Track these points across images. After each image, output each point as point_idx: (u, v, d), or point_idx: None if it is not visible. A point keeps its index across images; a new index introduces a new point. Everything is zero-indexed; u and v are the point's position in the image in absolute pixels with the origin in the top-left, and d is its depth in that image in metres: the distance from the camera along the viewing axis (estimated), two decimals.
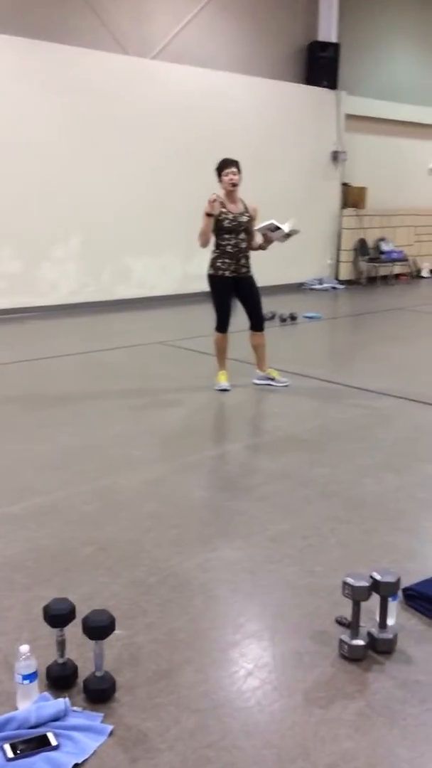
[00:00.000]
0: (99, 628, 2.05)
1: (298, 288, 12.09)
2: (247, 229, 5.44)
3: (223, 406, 5.38)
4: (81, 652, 2.30)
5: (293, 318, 9.04)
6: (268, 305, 9.24)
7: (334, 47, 11.72)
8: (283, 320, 8.95)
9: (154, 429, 4.73)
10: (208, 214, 5.26)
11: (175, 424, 4.85)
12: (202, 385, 5.79)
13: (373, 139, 12.87)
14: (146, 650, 2.36)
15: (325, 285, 12.23)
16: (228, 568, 2.90)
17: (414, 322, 9.29)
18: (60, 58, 8.94)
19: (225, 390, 5.61)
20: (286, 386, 5.73)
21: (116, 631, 2.39)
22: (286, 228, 5.35)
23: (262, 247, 5.60)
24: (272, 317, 9.01)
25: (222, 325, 5.62)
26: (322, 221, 12.29)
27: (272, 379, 5.77)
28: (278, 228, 5.35)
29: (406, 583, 2.72)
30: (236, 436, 4.81)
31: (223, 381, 5.65)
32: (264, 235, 5.49)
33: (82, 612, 2.31)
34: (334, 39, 11.73)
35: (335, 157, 12.16)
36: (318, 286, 12.18)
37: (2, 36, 8.46)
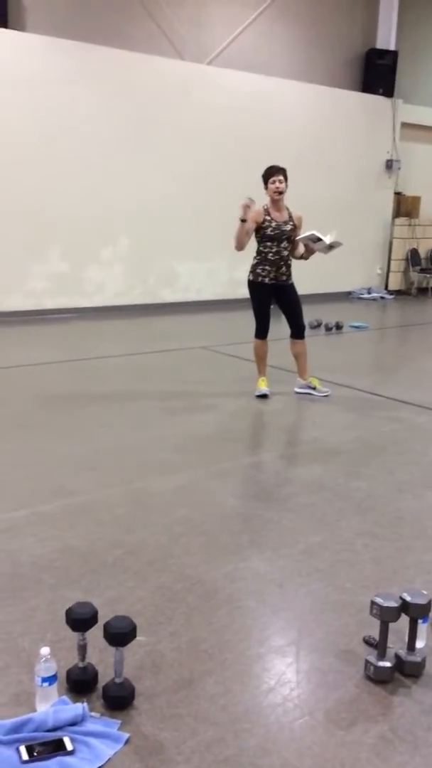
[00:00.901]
0: (120, 634, 2.04)
1: (346, 297, 11.97)
2: (290, 237, 5.41)
3: (261, 413, 5.34)
4: (102, 657, 2.29)
5: (339, 327, 8.94)
6: (315, 313, 9.21)
7: (393, 55, 11.58)
8: (328, 329, 8.86)
9: (191, 433, 4.72)
10: (241, 220, 5.23)
11: (212, 430, 4.83)
12: (242, 391, 5.76)
13: (429, 148, 12.67)
14: (168, 659, 2.34)
15: (373, 294, 12.08)
16: (256, 579, 2.86)
17: None
18: (116, 62, 9.04)
19: (264, 396, 5.57)
20: (326, 396, 5.66)
21: (139, 638, 2.38)
22: (327, 240, 5.30)
23: (303, 257, 5.57)
24: (318, 325, 8.93)
25: (261, 332, 5.60)
26: (373, 230, 12.15)
27: (313, 388, 5.71)
28: (319, 239, 5.31)
29: None
30: (273, 444, 4.76)
31: (262, 387, 5.62)
32: (306, 245, 5.45)
33: (106, 616, 2.31)
34: (392, 47, 11.59)
35: (389, 165, 12.00)
36: (366, 296, 12.03)
37: (61, 40, 8.61)
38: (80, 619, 2.09)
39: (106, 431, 4.73)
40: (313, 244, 5.38)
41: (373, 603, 2.28)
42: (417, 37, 12.16)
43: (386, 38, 11.60)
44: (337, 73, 11.46)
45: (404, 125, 12.04)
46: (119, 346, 7.50)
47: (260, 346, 5.66)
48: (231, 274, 10.41)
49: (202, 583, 2.81)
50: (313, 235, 5.31)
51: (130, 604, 2.64)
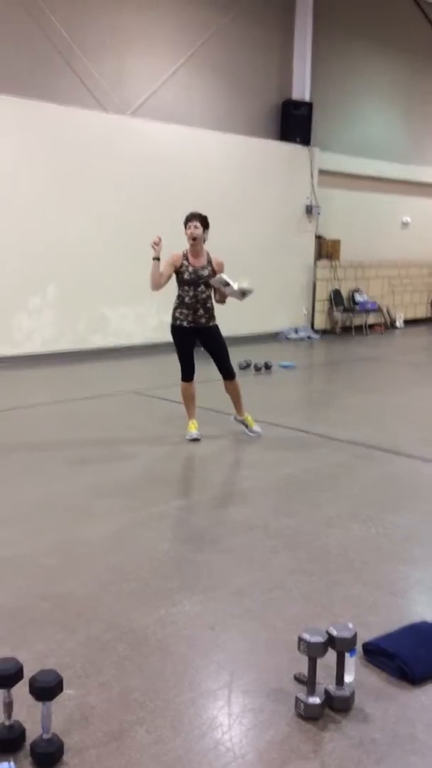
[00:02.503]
0: (46, 689, 2.00)
1: (275, 337, 12.20)
2: (209, 282, 5.50)
3: (192, 455, 5.36)
4: (31, 713, 2.24)
5: (268, 367, 9.10)
6: (244, 354, 9.35)
7: (308, 105, 12.10)
8: (257, 369, 9.01)
9: (121, 479, 4.70)
10: (154, 258, 5.38)
11: (143, 475, 4.82)
12: (173, 434, 5.77)
13: (347, 193, 13.20)
14: (98, 710, 2.30)
15: (300, 334, 12.37)
16: (188, 623, 2.85)
17: (386, 372, 9.39)
18: (40, 115, 9.13)
19: (195, 439, 5.60)
20: (258, 436, 5.71)
21: (68, 691, 2.34)
22: (235, 285, 5.40)
23: (219, 301, 5.66)
24: (247, 366, 9.07)
25: (186, 374, 5.66)
26: (297, 272, 12.50)
27: (246, 426, 5.76)
28: (228, 284, 5.42)
29: (367, 637, 2.70)
30: (204, 486, 4.79)
31: (192, 430, 5.65)
32: (218, 289, 5.54)
33: (34, 671, 2.26)
34: (307, 98, 12.13)
35: (309, 210, 12.43)
36: (294, 336, 12.31)
37: None
38: (3, 676, 2.05)
39: (34, 481, 4.66)
40: (224, 288, 5.48)
41: (300, 639, 2.32)
42: (330, 87, 12.76)
43: (301, 90, 12.13)
44: (256, 123, 11.88)
45: (322, 172, 12.52)
46: (48, 394, 7.43)
47: (187, 388, 5.71)
48: (161, 317, 10.47)
49: (133, 631, 2.78)
50: (221, 278, 5.41)
51: (59, 657, 2.59)
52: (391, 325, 14.07)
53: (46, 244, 9.38)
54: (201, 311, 5.54)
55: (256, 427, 5.77)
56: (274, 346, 11.39)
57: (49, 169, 9.31)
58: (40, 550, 3.55)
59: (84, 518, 4.00)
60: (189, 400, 5.74)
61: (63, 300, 9.66)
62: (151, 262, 5.42)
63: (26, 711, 2.24)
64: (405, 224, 14.62)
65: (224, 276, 5.42)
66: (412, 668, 2.49)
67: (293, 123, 12.03)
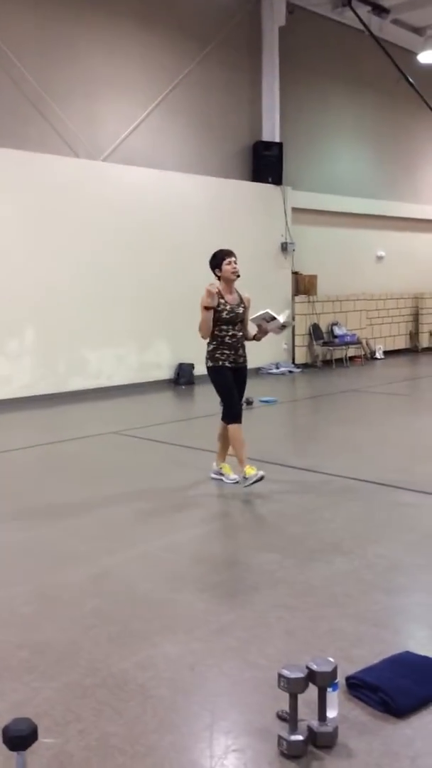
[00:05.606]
0: (19, 738, 1.95)
1: (256, 372, 12.24)
2: (243, 319, 5.36)
3: (173, 493, 5.32)
4: (7, 764, 2.17)
5: (249, 403, 9.09)
6: None
7: (278, 146, 12.37)
8: None
9: (101, 520, 4.65)
10: (207, 307, 5.14)
11: (123, 515, 4.77)
12: (153, 474, 5.74)
13: (321, 229, 13.43)
14: (77, 758, 2.24)
15: (281, 369, 12.43)
16: (168, 665, 2.80)
17: (367, 403, 9.44)
18: (12, 162, 9.25)
19: (236, 482, 5.34)
20: (235, 483, 5.45)
21: (45, 740, 2.29)
22: (281, 318, 5.27)
23: (256, 338, 5.48)
24: None
25: (236, 415, 5.30)
26: (275, 308, 12.58)
27: (222, 474, 5.57)
28: (274, 318, 5.26)
29: (351, 670, 2.66)
30: (183, 524, 4.74)
31: (252, 472, 5.18)
32: (259, 325, 5.38)
33: (9, 720, 2.20)
34: (277, 138, 12.40)
35: (284, 248, 12.62)
36: (275, 371, 12.36)
37: None
38: None
39: (12, 526, 4.60)
40: (267, 323, 5.32)
41: (280, 675, 2.28)
42: (299, 128, 13.05)
43: (271, 131, 12.41)
44: (228, 164, 12.11)
45: (295, 210, 12.74)
46: (27, 438, 7.36)
47: (238, 431, 5.27)
48: (140, 357, 10.51)
49: (112, 676, 2.73)
50: (267, 313, 5.25)
51: (36, 705, 2.53)
52: (371, 357, 14.20)
53: (22, 289, 9.41)
54: (241, 350, 5.39)
55: (231, 475, 5.51)
56: (255, 381, 11.38)
57: (23, 216, 9.40)
58: (18, 597, 3.47)
59: (64, 562, 3.94)
60: (241, 443, 5.28)
61: (41, 343, 9.66)
62: (204, 311, 5.17)
63: (2, 762, 2.18)
64: (380, 258, 14.87)
65: (269, 310, 5.25)
66: (396, 700, 2.46)
67: (264, 163, 12.27)
